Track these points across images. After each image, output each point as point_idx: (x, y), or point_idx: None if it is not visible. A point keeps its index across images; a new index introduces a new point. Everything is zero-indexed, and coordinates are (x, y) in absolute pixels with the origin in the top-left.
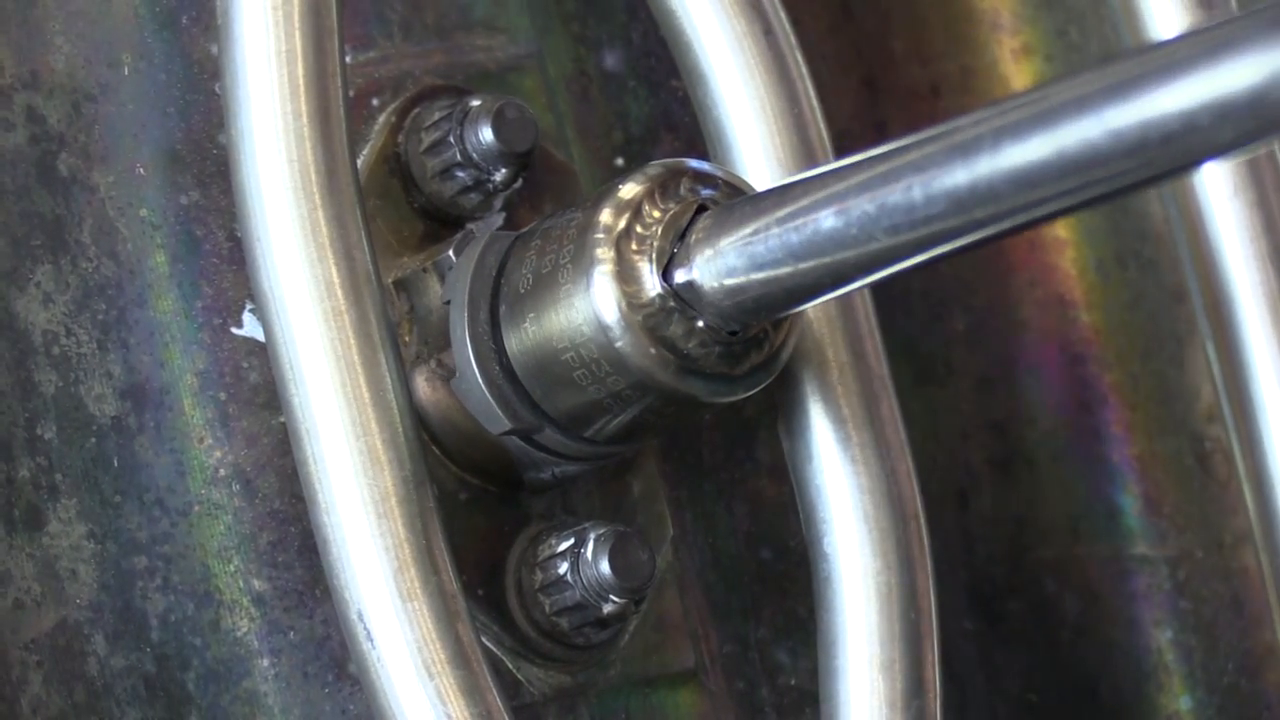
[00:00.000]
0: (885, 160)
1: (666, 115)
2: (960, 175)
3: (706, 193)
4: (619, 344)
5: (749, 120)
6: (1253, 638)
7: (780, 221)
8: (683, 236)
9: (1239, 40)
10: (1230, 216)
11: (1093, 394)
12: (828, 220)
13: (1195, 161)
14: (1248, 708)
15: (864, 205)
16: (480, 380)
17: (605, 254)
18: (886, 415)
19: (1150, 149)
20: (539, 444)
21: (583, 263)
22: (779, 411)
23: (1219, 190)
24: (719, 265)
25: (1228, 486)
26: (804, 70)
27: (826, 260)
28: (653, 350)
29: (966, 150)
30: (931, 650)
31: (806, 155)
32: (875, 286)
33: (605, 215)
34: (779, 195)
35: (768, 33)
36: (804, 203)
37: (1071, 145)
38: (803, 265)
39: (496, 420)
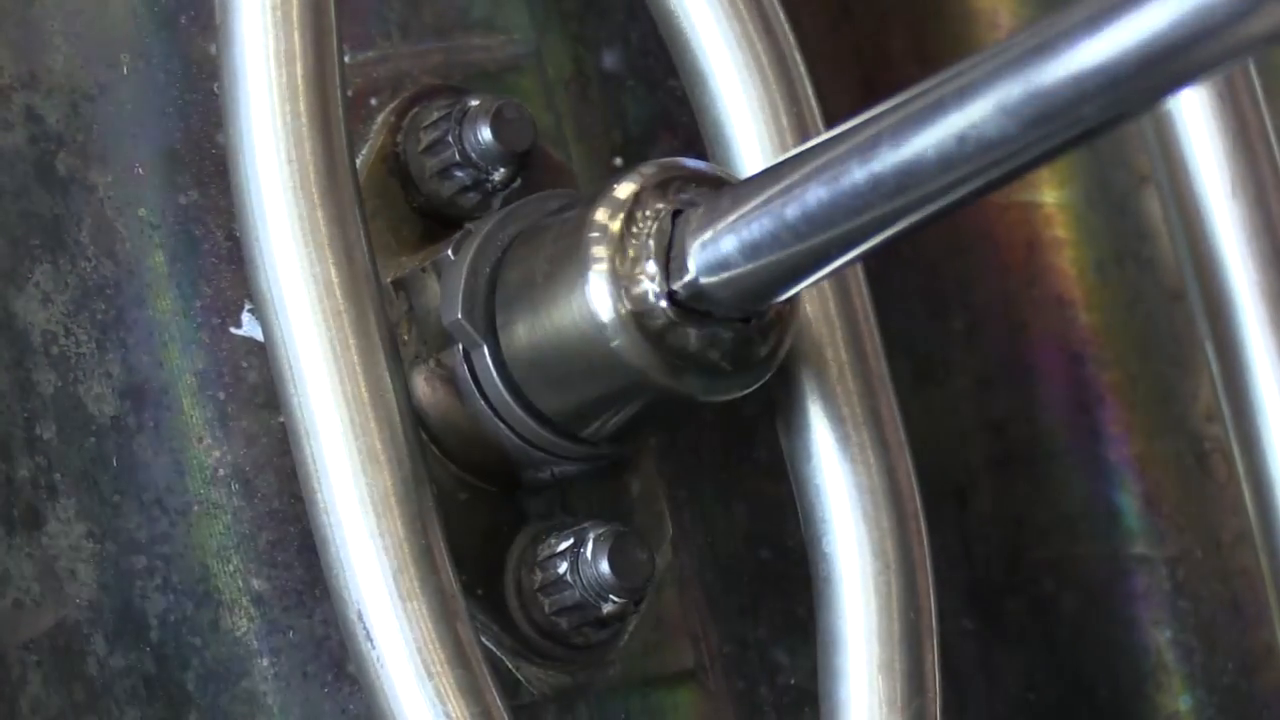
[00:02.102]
0: (867, 127)
1: (665, 115)
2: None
3: (701, 191)
4: (614, 343)
5: (747, 120)
6: (1252, 637)
7: (768, 200)
8: (675, 233)
9: None
10: (1229, 216)
11: (1091, 394)
12: (816, 193)
13: (1171, 87)
14: (1247, 707)
15: (850, 174)
16: (476, 381)
17: (600, 253)
18: (885, 414)
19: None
20: (538, 444)
21: (577, 262)
22: (778, 411)
23: (1217, 189)
24: (712, 255)
25: (1227, 486)
26: (802, 70)
27: (819, 235)
28: (649, 349)
29: (943, 107)
30: (931, 650)
31: None
32: (873, 286)
33: (600, 214)
34: (763, 177)
35: (766, 32)
36: (790, 179)
37: (1045, 84)
38: (795, 243)
39: (491, 420)
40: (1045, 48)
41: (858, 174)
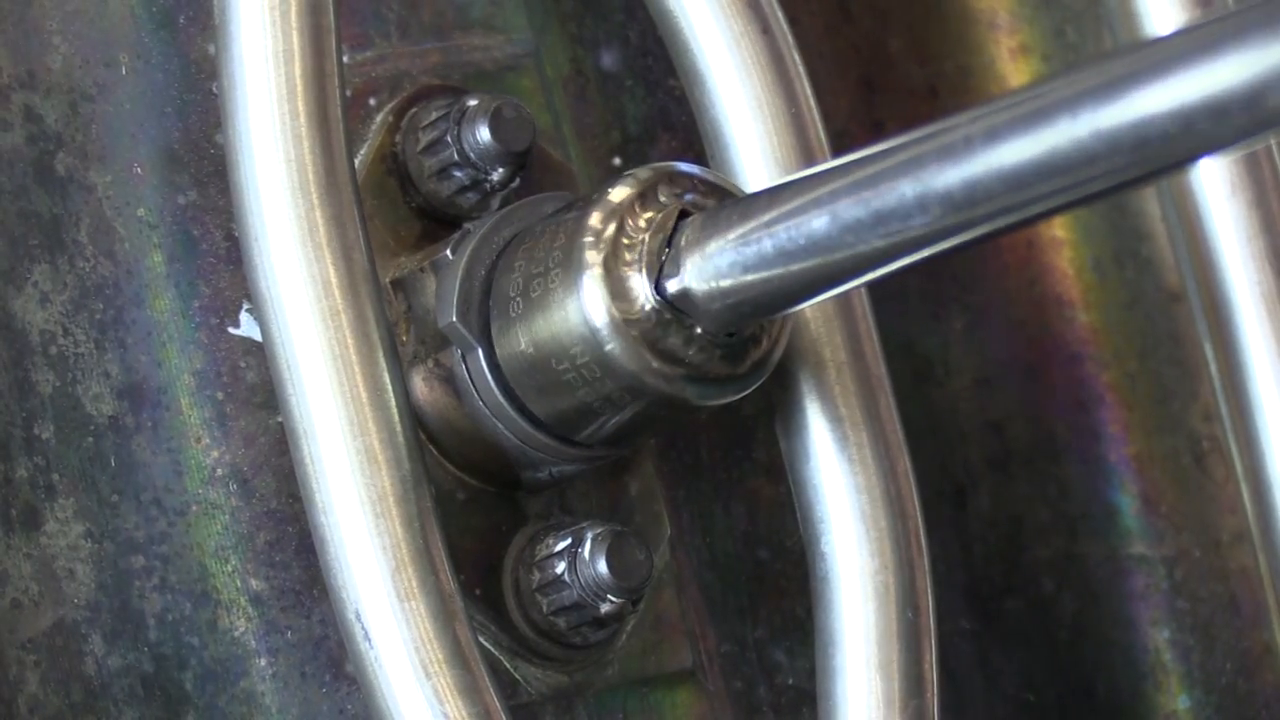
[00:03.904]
0: (876, 161)
1: (664, 115)
2: (951, 176)
3: (696, 197)
4: (608, 347)
5: (746, 120)
6: (1250, 637)
7: (770, 224)
8: (671, 240)
9: (1234, 37)
10: (1228, 216)
11: (1090, 393)
12: (817, 222)
13: (1188, 159)
14: (1245, 707)
15: (854, 207)
16: (472, 383)
17: (594, 258)
18: (884, 415)
19: (1145, 148)
20: (535, 445)
21: (572, 266)
22: (776, 411)
23: (1216, 189)
24: (709, 268)
25: (1225, 486)
26: (802, 70)
27: (817, 262)
28: (643, 354)
29: (957, 151)
30: (929, 650)
31: (804, 155)
32: (872, 286)
33: (594, 219)
34: (768, 197)
35: (765, 32)
36: (794, 205)
37: (1063, 145)
38: (793, 267)
39: (488, 421)
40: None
41: (858, 207)
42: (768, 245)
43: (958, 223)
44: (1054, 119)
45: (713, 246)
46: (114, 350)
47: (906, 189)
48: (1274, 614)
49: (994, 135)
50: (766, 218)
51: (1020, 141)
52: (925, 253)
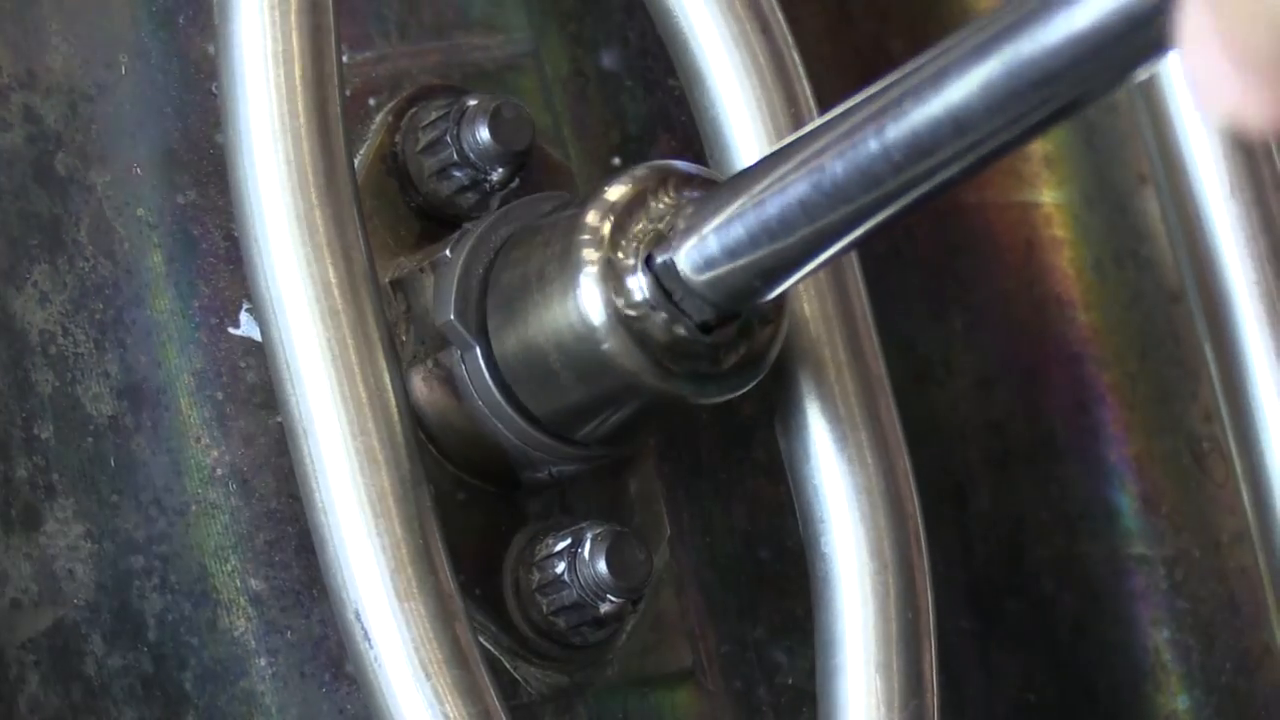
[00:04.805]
0: (841, 121)
1: (663, 115)
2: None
3: (693, 194)
4: (605, 346)
5: (746, 120)
6: (1250, 637)
7: (755, 197)
8: (666, 237)
9: None
10: (1227, 216)
11: (1090, 393)
12: (799, 187)
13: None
14: (1245, 707)
15: (830, 166)
16: (471, 382)
17: (591, 256)
18: (884, 415)
19: (1100, 54)
20: (534, 445)
21: (568, 265)
22: (776, 411)
23: (1216, 189)
24: (700, 253)
25: (1225, 486)
26: (801, 70)
27: (804, 228)
28: (640, 352)
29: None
30: (929, 650)
31: None
32: (872, 286)
33: (591, 217)
34: (751, 173)
35: (765, 32)
36: (775, 175)
37: (1001, 76)
38: (781, 238)
39: (488, 421)
40: (1017, 26)
41: (836, 166)
42: (752, 219)
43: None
44: (991, 53)
45: (702, 231)
46: (114, 350)
47: (872, 143)
48: (1274, 614)
49: (941, 77)
50: (749, 194)
51: (965, 79)
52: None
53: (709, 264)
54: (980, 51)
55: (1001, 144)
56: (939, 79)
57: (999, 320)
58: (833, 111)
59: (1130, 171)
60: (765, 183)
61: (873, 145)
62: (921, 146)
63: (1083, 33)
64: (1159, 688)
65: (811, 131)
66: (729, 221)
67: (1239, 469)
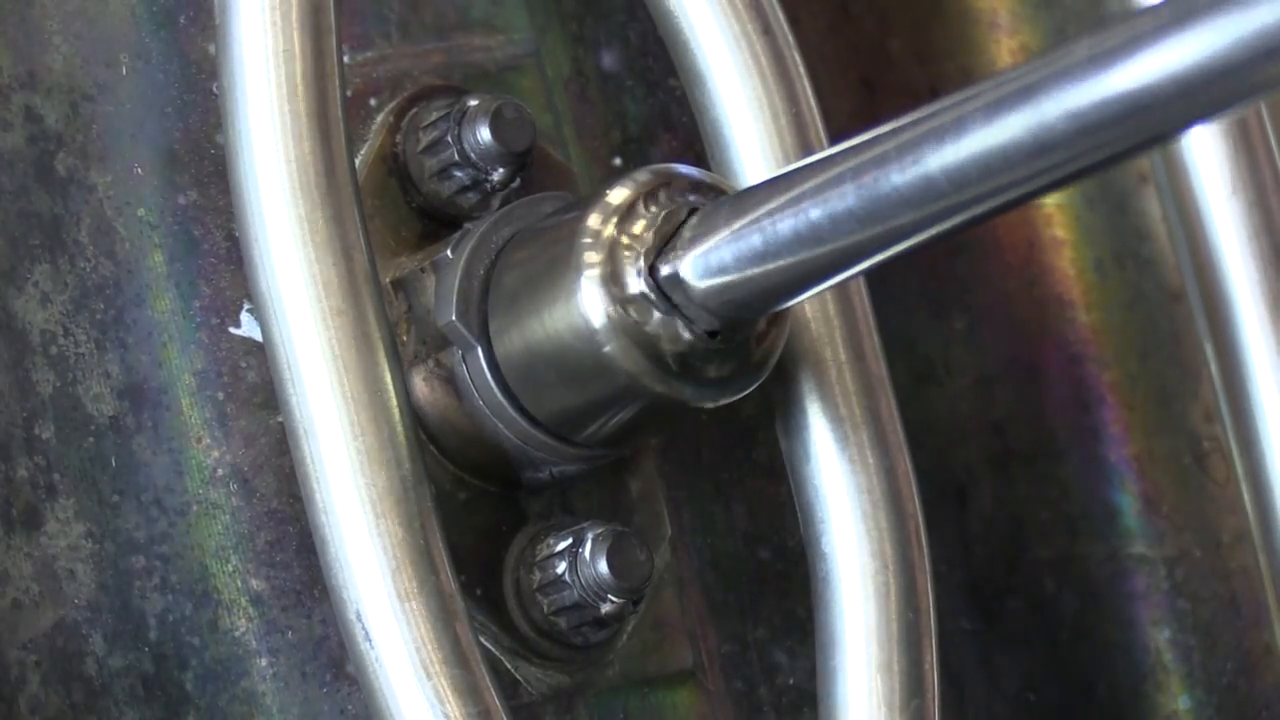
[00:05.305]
0: (865, 150)
1: (664, 115)
2: (945, 157)
3: (695, 198)
4: (606, 348)
5: (747, 120)
6: (1251, 637)
7: (763, 217)
8: (670, 240)
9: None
10: (1228, 216)
11: (1091, 394)
12: (813, 212)
13: (1179, 128)
14: (1246, 707)
15: (847, 195)
16: (472, 382)
17: (592, 258)
18: (885, 415)
19: (1136, 117)
20: (535, 445)
21: (570, 267)
22: (777, 411)
23: (1217, 189)
24: (706, 264)
25: (1226, 486)
26: (802, 70)
27: (811, 253)
28: (640, 355)
29: (947, 133)
30: (930, 650)
31: (804, 156)
32: (873, 286)
33: (593, 220)
34: (764, 190)
35: (765, 32)
36: (787, 197)
37: (1048, 122)
38: (789, 258)
39: (489, 421)
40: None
41: (851, 196)
42: (762, 238)
43: (951, 205)
44: (1038, 96)
45: (709, 243)
46: (114, 350)
47: (896, 177)
48: (1274, 614)
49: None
50: (760, 211)
51: (1009, 119)
52: (915, 240)
53: (714, 274)
54: (1019, 98)
55: (1028, 191)
56: (989, 115)
57: (999, 320)
58: (855, 139)
59: (1131, 171)
60: (777, 202)
61: (896, 180)
62: (942, 187)
63: (1142, 87)
64: (1159, 688)
65: (833, 155)
66: (739, 235)
67: (1240, 469)
